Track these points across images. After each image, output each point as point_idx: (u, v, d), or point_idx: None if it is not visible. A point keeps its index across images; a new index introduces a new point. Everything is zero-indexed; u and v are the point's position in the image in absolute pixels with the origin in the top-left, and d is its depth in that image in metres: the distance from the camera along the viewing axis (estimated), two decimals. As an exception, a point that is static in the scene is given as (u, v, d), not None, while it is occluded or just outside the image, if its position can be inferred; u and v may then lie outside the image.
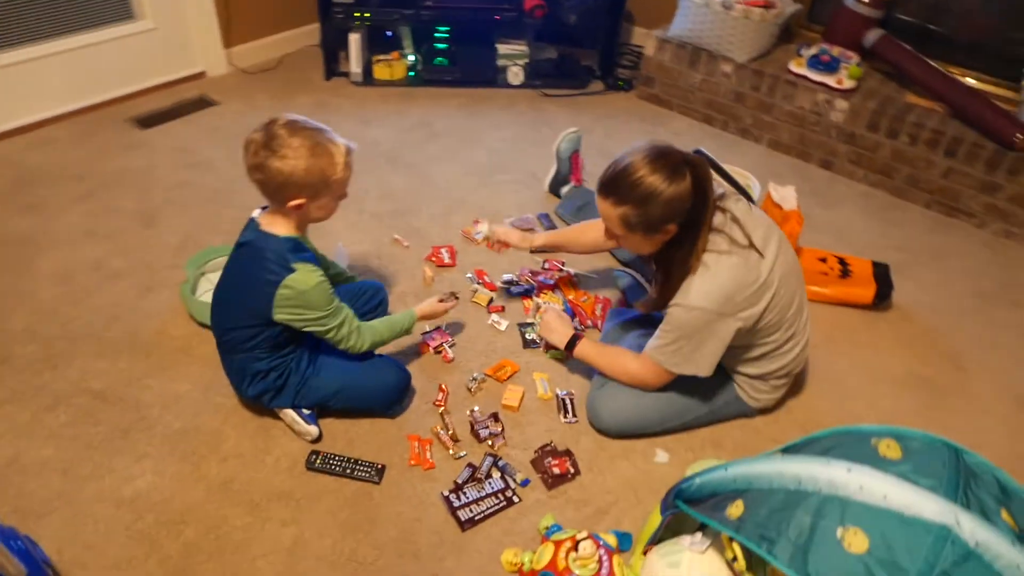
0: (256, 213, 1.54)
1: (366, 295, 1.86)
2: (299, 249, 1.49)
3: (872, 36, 2.81)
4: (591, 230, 1.92)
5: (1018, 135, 2.43)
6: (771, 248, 1.50)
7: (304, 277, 1.45)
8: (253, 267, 1.48)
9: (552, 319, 1.81)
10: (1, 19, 2.54)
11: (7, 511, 1.48)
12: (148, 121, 2.87)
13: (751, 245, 1.46)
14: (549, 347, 1.94)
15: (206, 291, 2.02)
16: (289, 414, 1.64)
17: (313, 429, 1.64)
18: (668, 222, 1.42)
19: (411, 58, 3.32)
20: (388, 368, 1.71)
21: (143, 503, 1.52)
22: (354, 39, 3.14)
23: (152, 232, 2.29)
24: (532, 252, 2.07)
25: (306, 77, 3.28)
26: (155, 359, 1.85)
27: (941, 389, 1.96)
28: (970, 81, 2.78)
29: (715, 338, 1.49)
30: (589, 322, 2.04)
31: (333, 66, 3.29)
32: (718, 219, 1.48)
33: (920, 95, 2.75)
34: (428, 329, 1.97)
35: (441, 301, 1.80)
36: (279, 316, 1.48)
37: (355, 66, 3.23)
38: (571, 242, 2.00)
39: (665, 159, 1.39)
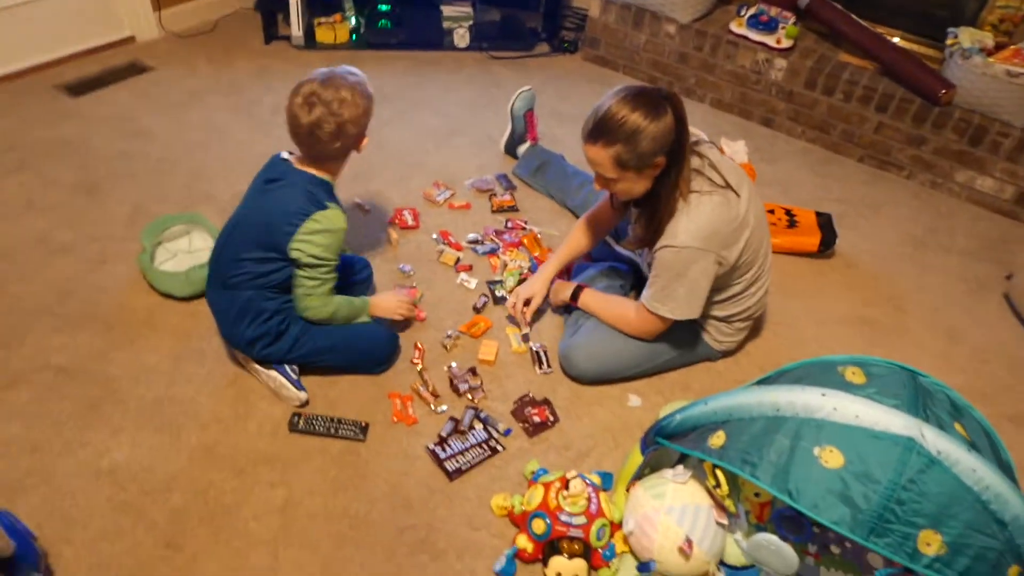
0: (284, 154, 1.59)
1: (355, 267, 1.89)
2: (333, 194, 1.57)
3: (807, -3, 2.92)
4: (589, 226, 1.91)
5: (943, 91, 2.59)
6: (744, 190, 1.59)
7: (334, 216, 1.52)
8: (286, 199, 1.52)
9: (556, 285, 1.91)
10: (-92, -23, 2.35)
11: (-24, 492, 1.43)
12: (78, 89, 2.72)
13: (728, 185, 1.54)
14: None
15: (164, 260, 1.96)
16: (277, 378, 1.63)
17: (303, 394, 1.64)
18: (657, 154, 1.48)
19: (353, 20, 3.24)
20: (379, 329, 1.74)
21: (123, 474, 1.49)
22: (294, 1, 3.04)
23: (97, 203, 2.19)
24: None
25: (244, 41, 3.16)
26: (118, 332, 1.79)
27: (883, 328, 2.11)
28: (897, 40, 2.94)
29: (704, 277, 1.56)
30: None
31: (272, 30, 3.18)
32: (696, 162, 1.56)
33: (853, 54, 2.89)
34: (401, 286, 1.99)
35: (398, 294, 1.85)
36: (294, 246, 1.50)
37: (296, 29, 3.13)
38: (577, 248, 1.93)
39: (643, 96, 1.46)
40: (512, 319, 1.94)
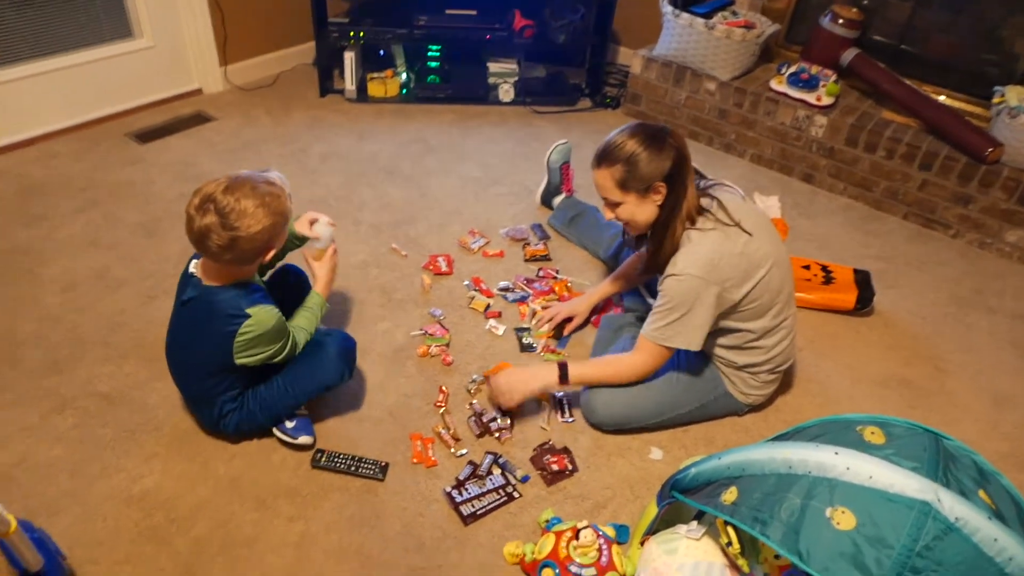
0: (192, 267, 1.52)
1: (287, 278, 1.86)
2: (250, 291, 1.50)
3: (848, 55, 2.93)
4: (628, 267, 2.08)
5: (989, 149, 2.55)
6: (763, 234, 1.63)
7: (261, 318, 1.46)
8: (208, 322, 1.48)
9: (514, 378, 1.74)
10: (5, 36, 2.59)
11: (17, 510, 1.50)
12: (146, 136, 2.92)
13: (735, 223, 1.60)
14: (548, 349, 2.01)
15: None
16: (277, 434, 1.67)
17: (305, 439, 1.66)
18: (656, 179, 1.59)
19: (404, 76, 3.41)
20: (324, 339, 1.68)
21: (152, 501, 1.55)
22: (349, 57, 3.22)
23: (153, 242, 2.33)
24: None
25: (301, 94, 3.35)
26: (161, 363, 1.86)
27: (921, 390, 2.04)
28: (942, 98, 2.91)
29: (703, 307, 1.58)
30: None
31: (328, 83, 3.36)
32: (705, 202, 1.64)
33: (895, 111, 2.87)
34: (419, 331, 2.03)
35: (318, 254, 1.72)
36: (240, 360, 1.50)
37: (349, 83, 3.30)
38: (614, 289, 2.11)
39: (643, 128, 1.62)
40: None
